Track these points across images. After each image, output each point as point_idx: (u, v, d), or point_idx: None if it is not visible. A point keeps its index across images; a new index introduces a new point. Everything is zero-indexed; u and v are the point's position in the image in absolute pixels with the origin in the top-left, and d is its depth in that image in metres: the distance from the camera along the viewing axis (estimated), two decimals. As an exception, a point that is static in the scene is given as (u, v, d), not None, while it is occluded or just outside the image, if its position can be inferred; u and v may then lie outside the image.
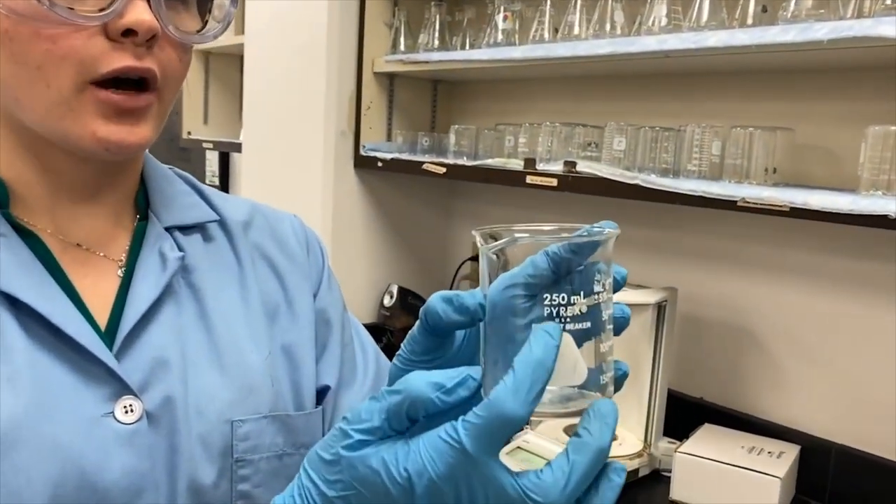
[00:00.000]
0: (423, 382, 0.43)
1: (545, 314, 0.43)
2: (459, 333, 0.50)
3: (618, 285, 0.47)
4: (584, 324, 0.44)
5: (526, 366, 0.40)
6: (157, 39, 0.56)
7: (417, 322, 0.48)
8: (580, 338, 0.44)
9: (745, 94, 1.44)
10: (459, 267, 2.00)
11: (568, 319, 0.43)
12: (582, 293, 0.44)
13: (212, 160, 2.97)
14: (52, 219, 0.61)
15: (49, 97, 0.55)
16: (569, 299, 0.44)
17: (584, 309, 0.44)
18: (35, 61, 0.54)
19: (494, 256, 0.45)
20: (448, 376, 0.43)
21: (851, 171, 1.18)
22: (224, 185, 2.86)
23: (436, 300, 0.47)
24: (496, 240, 0.45)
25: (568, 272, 0.44)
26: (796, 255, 1.41)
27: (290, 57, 2.00)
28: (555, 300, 0.43)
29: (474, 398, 0.42)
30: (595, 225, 0.45)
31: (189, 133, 2.72)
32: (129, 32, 0.54)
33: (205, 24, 0.61)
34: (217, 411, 0.61)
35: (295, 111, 1.99)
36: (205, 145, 2.64)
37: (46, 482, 0.53)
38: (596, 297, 0.44)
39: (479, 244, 0.45)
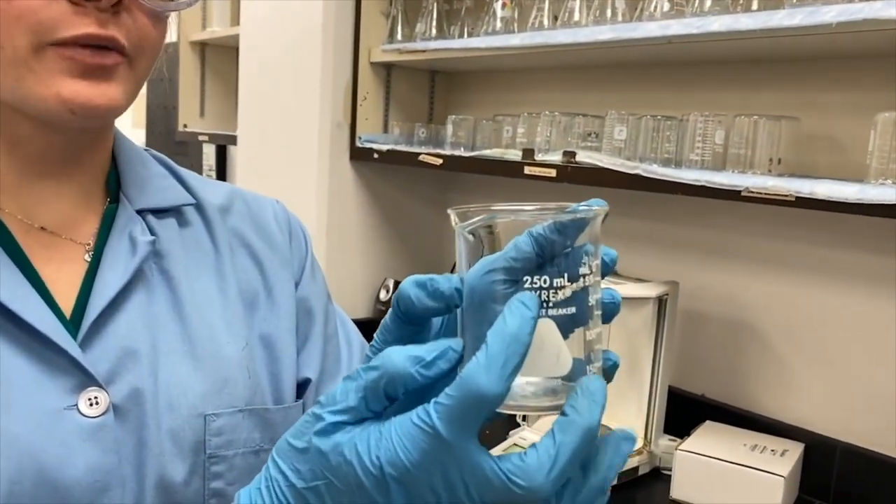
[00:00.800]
0: (401, 356, 0.39)
1: None
2: (437, 321, 0.46)
3: (607, 268, 0.44)
4: (569, 309, 0.40)
5: (500, 339, 0.37)
6: (123, 4, 0.52)
7: (390, 309, 0.45)
8: (565, 325, 0.40)
9: (750, 83, 1.41)
10: (457, 261, 1.97)
11: (551, 305, 0.40)
12: (566, 276, 0.40)
13: (209, 153, 2.94)
14: (17, 199, 0.57)
15: (5, 58, 0.51)
16: (552, 283, 0.40)
17: (569, 293, 0.40)
18: None
19: (471, 237, 0.41)
20: (427, 349, 0.40)
21: (858, 161, 1.15)
22: (221, 178, 2.83)
23: (408, 284, 0.43)
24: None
25: (553, 255, 0.40)
26: (801, 249, 1.38)
27: (285, 48, 1.97)
28: (536, 283, 0.40)
29: (456, 372, 0.39)
30: (581, 203, 0.42)
31: (185, 126, 2.69)
32: None
33: None
34: (189, 405, 0.58)
35: (290, 102, 1.96)
36: (201, 138, 2.61)
37: (0, 479, 0.49)
38: (582, 280, 0.40)
39: (454, 223, 0.42)
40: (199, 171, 2.87)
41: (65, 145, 0.58)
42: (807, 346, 1.38)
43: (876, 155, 1.06)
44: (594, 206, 0.41)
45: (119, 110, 0.56)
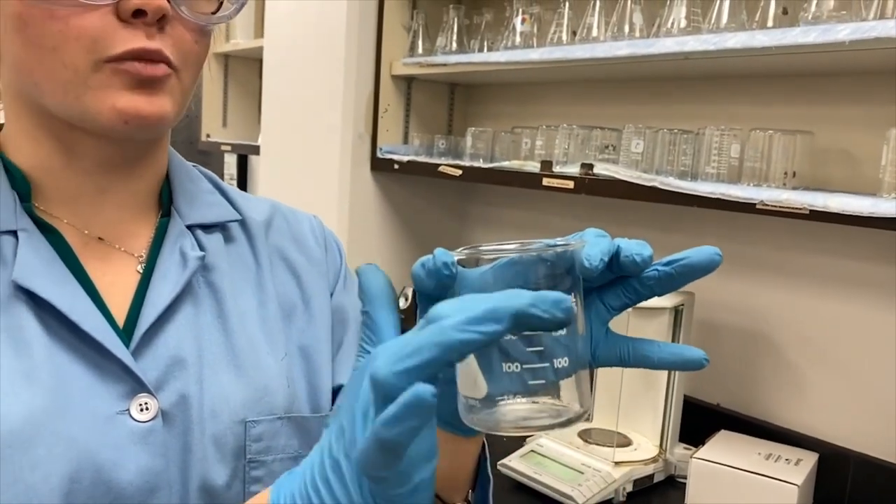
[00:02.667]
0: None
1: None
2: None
3: (636, 266, 0.48)
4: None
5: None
6: (168, 19, 0.56)
7: None
8: (483, 353, 0.44)
9: (765, 98, 1.43)
10: (475, 270, 1.99)
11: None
12: None
13: (230, 162, 2.99)
14: (74, 210, 0.61)
15: (65, 77, 0.55)
16: None
17: None
18: (50, 43, 0.54)
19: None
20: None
21: (872, 175, 1.17)
22: (242, 188, 2.88)
23: (417, 263, 0.47)
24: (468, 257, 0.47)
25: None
26: (815, 260, 1.39)
27: (308, 60, 2.01)
28: None
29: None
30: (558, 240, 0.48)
31: (208, 136, 2.74)
32: (139, 13, 0.54)
33: (219, 5, 0.61)
34: (231, 412, 0.61)
35: (313, 113, 2.00)
36: (223, 148, 2.65)
37: (62, 478, 0.53)
38: None
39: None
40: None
41: (120, 158, 0.62)
42: (821, 357, 1.39)
43: (889, 169, 1.08)
44: (572, 243, 0.47)
45: (169, 121, 0.59)
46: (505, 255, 0.46)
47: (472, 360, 0.45)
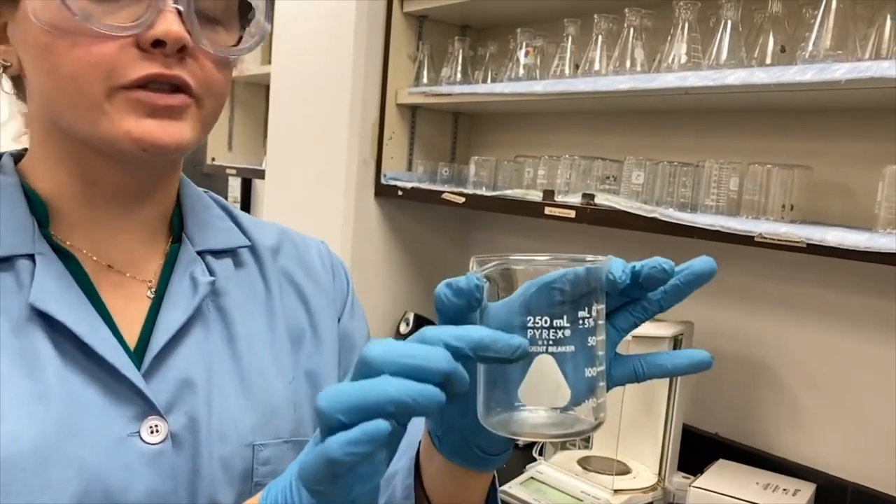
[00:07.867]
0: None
1: (528, 336, 0.45)
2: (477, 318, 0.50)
3: (665, 274, 0.50)
4: (568, 348, 0.46)
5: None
6: (188, 51, 0.57)
7: None
8: (565, 362, 0.46)
9: (763, 132, 1.46)
10: (476, 296, 2.00)
11: (551, 342, 0.46)
12: (566, 318, 0.46)
13: (234, 186, 3.01)
14: (89, 237, 0.63)
15: (83, 103, 0.57)
16: (552, 323, 0.46)
17: (568, 333, 0.46)
18: (69, 71, 0.56)
19: (486, 281, 0.47)
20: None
21: (868, 209, 1.19)
22: (245, 211, 2.90)
23: (440, 284, 0.48)
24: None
25: (562, 301, 0.46)
26: (813, 293, 1.41)
27: (315, 87, 2.04)
28: (538, 323, 0.46)
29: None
30: (589, 255, 0.48)
31: (213, 159, 2.77)
32: (158, 43, 0.56)
33: (239, 39, 0.63)
34: (239, 435, 0.62)
35: (318, 139, 2.03)
36: (228, 171, 2.68)
37: (72, 499, 0.54)
38: (581, 322, 0.46)
39: (472, 269, 0.47)
40: (225, 203, 2.94)
41: (135, 185, 0.64)
42: (819, 387, 1.41)
43: (884, 205, 1.10)
44: (598, 258, 0.48)
45: (187, 147, 0.60)
46: (534, 268, 0.47)
47: (552, 365, 0.46)
